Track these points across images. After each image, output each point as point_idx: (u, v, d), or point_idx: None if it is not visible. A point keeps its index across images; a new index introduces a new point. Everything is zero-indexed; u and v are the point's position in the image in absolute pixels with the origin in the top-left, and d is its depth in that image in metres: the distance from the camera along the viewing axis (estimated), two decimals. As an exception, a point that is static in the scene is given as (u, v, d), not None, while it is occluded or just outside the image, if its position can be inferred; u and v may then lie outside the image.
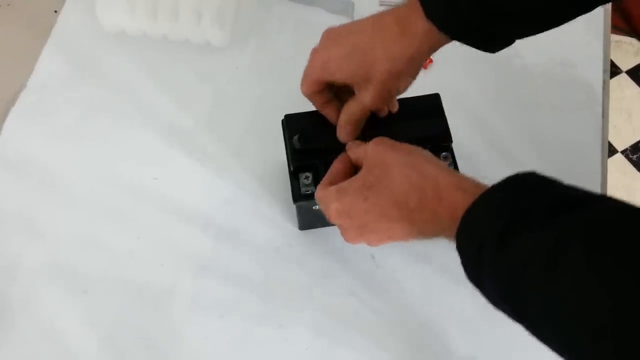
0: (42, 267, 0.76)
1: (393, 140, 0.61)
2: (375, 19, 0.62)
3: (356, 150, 0.64)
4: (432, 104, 0.72)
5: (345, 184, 0.61)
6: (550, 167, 0.81)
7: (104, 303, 0.75)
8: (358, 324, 0.73)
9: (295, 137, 0.69)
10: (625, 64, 2.04)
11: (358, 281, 0.75)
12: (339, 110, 0.67)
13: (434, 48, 0.61)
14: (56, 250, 0.77)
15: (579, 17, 0.58)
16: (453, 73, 0.87)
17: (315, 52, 0.66)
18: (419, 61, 0.62)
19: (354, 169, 0.64)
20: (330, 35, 0.65)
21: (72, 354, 0.72)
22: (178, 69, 0.89)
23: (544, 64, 0.90)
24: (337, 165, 0.65)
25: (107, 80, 0.88)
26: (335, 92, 0.68)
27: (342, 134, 0.67)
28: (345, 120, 0.66)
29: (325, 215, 0.62)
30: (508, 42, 0.60)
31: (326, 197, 0.62)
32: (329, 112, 0.68)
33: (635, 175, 1.88)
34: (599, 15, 0.93)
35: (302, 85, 0.67)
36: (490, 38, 0.59)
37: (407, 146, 0.61)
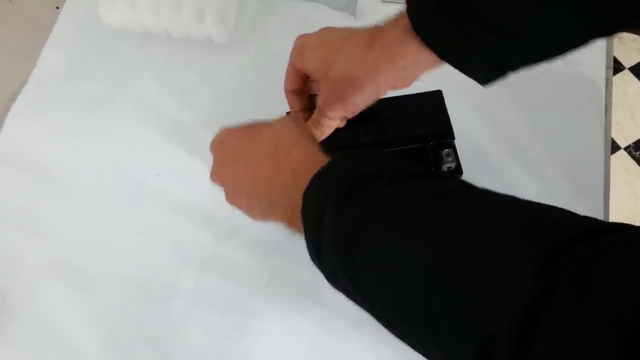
0: (43, 263, 0.76)
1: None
2: (357, 28, 0.61)
3: None
4: (434, 101, 0.72)
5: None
6: (553, 163, 0.82)
7: (105, 300, 0.75)
8: (361, 321, 0.73)
9: None
10: (628, 61, 2.03)
11: (360, 278, 0.75)
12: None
13: (408, 67, 0.58)
14: (57, 247, 0.77)
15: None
16: (455, 70, 0.87)
17: (298, 37, 0.65)
18: (382, 79, 0.60)
19: None
20: (323, 29, 0.64)
21: (73, 350, 0.72)
22: (180, 66, 0.89)
23: (547, 61, 0.89)
24: None
25: (109, 76, 0.88)
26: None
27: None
28: (312, 121, 0.66)
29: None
30: (501, 72, 0.57)
31: (225, 128, 0.66)
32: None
33: (638, 171, 1.88)
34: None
35: (285, 79, 0.68)
36: (482, 63, 0.56)
37: (302, 124, 0.63)
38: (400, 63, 0.58)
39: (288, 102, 0.69)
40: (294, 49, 0.65)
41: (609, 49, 0.90)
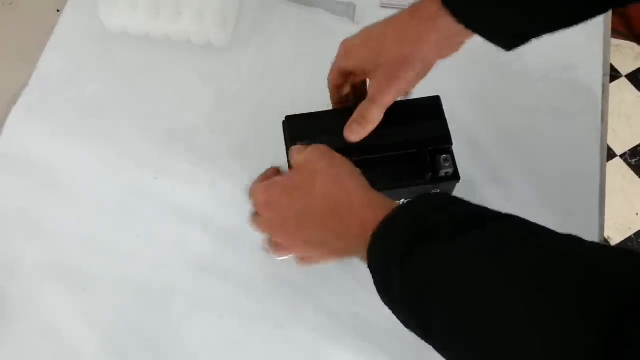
0: (42, 265, 0.77)
1: (330, 150, 0.63)
2: (396, 13, 0.64)
3: (297, 156, 0.64)
4: (432, 106, 0.72)
5: (275, 178, 0.64)
6: (549, 170, 0.82)
7: (103, 302, 0.75)
8: (357, 325, 0.73)
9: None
10: (625, 68, 2.04)
11: (357, 281, 0.75)
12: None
13: (449, 36, 0.61)
14: (56, 249, 0.78)
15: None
16: (453, 75, 0.88)
17: (342, 41, 0.68)
18: (429, 48, 0.62)
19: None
20: (363, 29, 0.67)
21: (71, 352, 0.72)
22: (180, 69, 0.90)
23: (544, 67, 0.90)
24: (272, 168, 0.70)
25: (109, 79, 0.89)
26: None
27: (347, 132, 0.67)
28: (354, 118, 0.67)
29: (256, 208, 0.64)
30: (523, 39, 0.60)
31: (256, 190, 0.64)
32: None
33: (634, 179, 1.89)
34: (599, 19, 0.93)
35: (328, 75, 0.71)
36: (505, 31, 0.60)
37: (339, 158, 0.62)
38: (441, 32, 0.61)
39: (330, 92, 0.73)
40: (339, 53, 0.68)
41: (606, 56, 0.91)
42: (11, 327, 0.73)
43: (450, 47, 0.63)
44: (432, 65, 0.65)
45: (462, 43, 0.63)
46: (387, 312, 0.74)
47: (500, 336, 0.41)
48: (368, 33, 0.66)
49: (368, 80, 0.67)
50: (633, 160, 1.91)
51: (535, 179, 0.82)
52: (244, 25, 0.93)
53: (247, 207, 0.79)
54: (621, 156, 1.92)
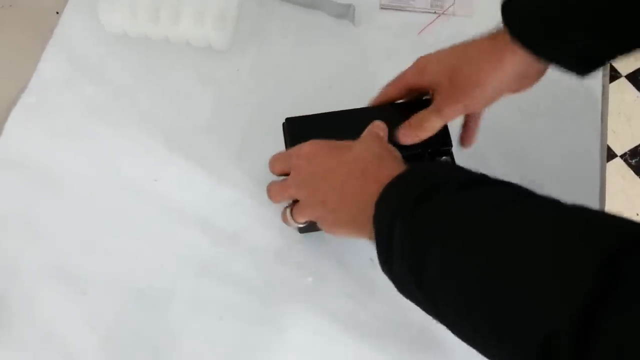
0: (41, 268, 0.76)
1: (383, 137, 0.65)
2: (477, 36, 0.65)
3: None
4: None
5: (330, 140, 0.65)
6: (549, 171, 0.82)
7: (103, 304, 0.75)
8: (357, 327, 0.73)
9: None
10: (625, 68, 2.04)
11: (357, 284, 0.75)
12: None
13: (523, 64, 0.61)
14: (56, 251, 0.77)
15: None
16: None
17: (419, 58, 0.69)
18: (503, 75, 0.62)
19: None
20: (438, 50, 0.68)
21: (71, 355, 0.72)
22: (179, 72, 0.89)
23: (544, 69, 0.90)
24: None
25: (109, 82, 0.89)
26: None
27: (401, 134, 0.68)
28: (412, 123, 0.68)
29: (294, 160, 0.65)
30: (597, 63, 0.60)
31: (303, 144, 0.65)
32: None
33: (634, 179, 1.89)
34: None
35: (389, 85, 0.71)
36: (579, 59, 0.59)
37: (386, 142, 0.64)
38: (516, 60, 0.61)
39: (379, 99, 0.72)
40: (412, 68, 0.69)
41: (606, 57, 0.91)
42: (10, 331, 0.73)
43: (524, 78, 0.64)
44: (501, 95, 0.65)
45: (538, 73, 0.64)
46: (388, 316, 0.74)
47: (493, 274, 0.42)
48: (447, 51, 0.66)
49: (435, 92, 0.67)
50: (633, 161, 1.91)
51: (535, 180, 0.81)
52: (243, 27, 0.92)
53: (246, 209, 0.80)
54: (621, 156, 1.92)
